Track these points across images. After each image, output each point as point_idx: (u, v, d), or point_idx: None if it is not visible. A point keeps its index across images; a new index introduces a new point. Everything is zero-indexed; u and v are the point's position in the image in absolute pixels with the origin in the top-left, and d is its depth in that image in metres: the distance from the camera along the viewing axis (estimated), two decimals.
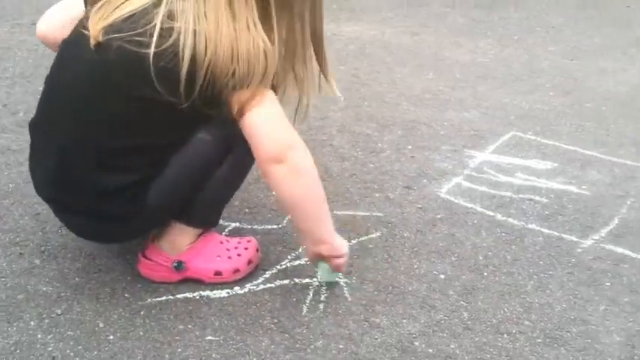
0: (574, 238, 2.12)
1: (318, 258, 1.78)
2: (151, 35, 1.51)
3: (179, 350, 1.61)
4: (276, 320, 1.72)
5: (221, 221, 1.93)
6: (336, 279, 1.85)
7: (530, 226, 2.17)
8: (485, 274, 1.94)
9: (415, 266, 1.96)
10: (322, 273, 1.82)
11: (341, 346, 1.66)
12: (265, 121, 1.61)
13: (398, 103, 3.06)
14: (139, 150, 1.63)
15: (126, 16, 1.55)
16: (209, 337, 1.66)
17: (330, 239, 1.75)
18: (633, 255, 2.05)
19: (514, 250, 2.05)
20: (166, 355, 1.60)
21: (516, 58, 3.79)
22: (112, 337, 1.64)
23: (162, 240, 1.82)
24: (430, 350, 1.66)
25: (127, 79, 1.55)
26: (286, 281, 1.86)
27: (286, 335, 1.68)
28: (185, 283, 1.82)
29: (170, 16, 1.52)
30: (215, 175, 1.74)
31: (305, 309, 1.77)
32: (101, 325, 1.68)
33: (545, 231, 2.15)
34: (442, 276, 1.93)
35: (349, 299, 1.81)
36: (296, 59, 1.67)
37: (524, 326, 1.75)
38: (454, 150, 2.65)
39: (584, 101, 3.20)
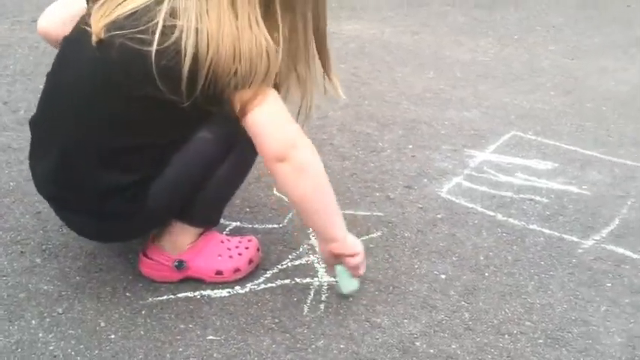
0: (575, 239, 2.12)
1: (333, 259, 1.76)
2: (153, 33, 1.50)
3: (180, 350, 1.61)
4: (277, 320, 1.72)
5: (222, 220, 1.93)
6: (355, 288, 1.81)
7: (530, 226, 2.17)
8: (486, 274, 1.94)
9: (416, 266, 1.96)
10: (342, 281, 1.79)
11: (342, 346, 1.66)
12: (268, 119, 1.60)
13: (398, 102, 3.06)
14: (141, 149, 1.63)
15: (128, 13, 1.55)
16: (210, 337, 1.66)
17: (341, 237, 1.73)
18: (634, 255, 2.05)
19: (515, 250, 2.05)
20: (167, 355, 1.60)
21: (517, 57, 3.80)
22: (113, 336, 1.64)
23: (163, 239, 1.82)
24: (431, 350, 1.66)
25: (129, 78, 1.55)
26: (287, 281, 1.86)
27: (287, 335, 1.68)
28: (186, 282, 1.82)
29: (172, 13, 1.51)
30: (216, 174, 1.74)
31: (306, 309, 1.77)
32: (102, 324, 1.68)
33: (546, 231, 2.15)
34: (443, 276, 1.93)
35: (350, 299, 1.81)
36: (298, 59, 1.67)
37: (526, 327, 1.75)
38: (454, 149, 2.65)
39: (584, 101, 3.20)
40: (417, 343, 1.68)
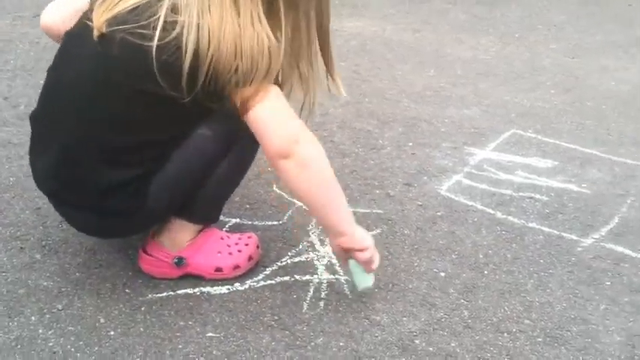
0: (574, 237, 2.12)
1: (343, 254, 1.76)
2: (154, 28, 1.50)
3: (180, 346, 1.62)
4: (276, 317, 1.73)
5: (221, 217, 1.94)
6: (370, 284, 1.79)
7: (530, 224, 2.17)
8: (486, 272, 1.94)
9: (415, 264, 1.96)
10: (356, 277, 1.77)
11: (341, 344, 1.66)
12: (270, 116, 1.60)
13: (399, 100, 3.06)
14: (141, 145, 1.63)
15: (130, 8, 1.55)
16: (210, 334, 1.66)
17: (349, 230, 1.72)
18: (633, 254, 2.05)
19: (514, 248, 2.05)
20: (167, 352, 1.60)
21: (518, 55, 3.80)
22: (112, 332, 1.65)
23: (162, 236, 1.82)
24: (430, 348, 1.66)
25: (129, 73, 1.55)
26: (287, 278, 1.86)
27: (287, 332, 1.68)
28: (186, 279, 1.82)
29: (174, 9, 1.51)
30: (216, 172, 1.74)
31: (305, 306, 1.77)
32: (102, 320, 1.68)
33: (546, 229, 2.15)
34: (442, 274, 1.93)
35: (349, 296, 1.81)
36: (301, 57, 1.67)
37: (525, 325, 1.75)
38: (454, 147, 2.65)
39: (585, 99, 3.20)
40: (417, 341, 1.68)
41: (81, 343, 1.61)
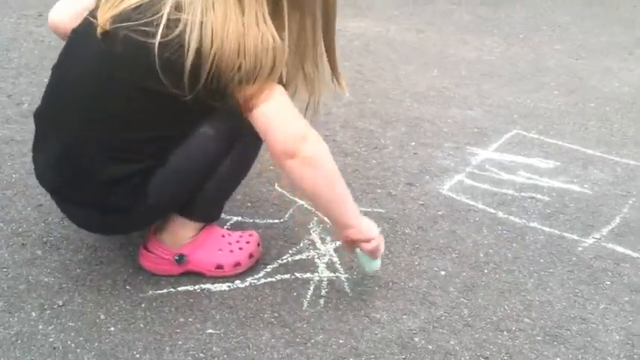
0: (575, 237, 2.12)
1: (351, 244, 1.78)
2: (157, 25, 1.50)
3: (180, 343, 1.62)
4: (276, 314, 1.73)
5: (223, 215, 1.94)
6: (377, 268, 1.82)
7: (531, 224, 2.17)
8: (486, 271, 1.94)
9: (416, 262, 1.96)
10: (363, 260, 1.80)
11: (341, 341, 1.66)
12: (275, 115, 1.60)
13: (402, 100, 3.06)
14: (143, 142, 1.63)
15: (135, 5, 1.55)
16: (210, 330, 1.66)
17: (356, 223, 1.74)
18: (634, 254, 2.05)
19: (515, 247, 2.05)
20: (167, 348, 1.60)
21: (522, 56, 3.80)
22: (112, 328, 1.65)
23: (163, 233, 1.82)
24: (430, 346, 1.66)
25: (132, 70, 1.56)
26: (287, 275, 1.87)
27: (287, 329, 1.68)
28: (186, 276, 1.83)
29: (178, 7, 1.51)
30: (218, 170, 1.74)
31: (306, 303, 1.77)
32: (102, 316, 1.68)
33: (547, 229, 2.15)
34: (443, 272, 1.93)
35: (350, 294, 1.82)
36: (306, 58, 1.67)
37: (524, 324, 1.75)
38: (457, 147, 2.65)
39: (588, 101, 3.20)
40: (416, 339, 1.68)
41: (81, 338, 1.61)
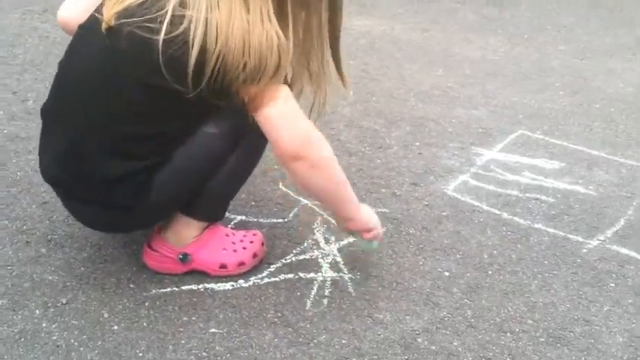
0: (579, 239, 2.12)
1: (350, 232, 1.87)
2: (162, 22, 1.50)
3: (183, 342, 1.62)
4: (279, 314, 1.73)
5: (227, 214, 1.94)
6: (375, 247, 1.90)
7: (536, 225, 2.17)
8: (490, 272, 1.94)
9: (420, 263, 1.96)
10: (361, 243, 1.89)
11: (344, 341, 1.66)
12: (280, 116, 1.60)
13: (406, 99, 3.06)
14: (147, 138, 1.63)
15: (140, 1, 1.55)
16: (213, 330, 1.66)
17: (356, 216, 1.80)
18: (638, 257, 2.05)
19: (519, 249, 2.05)
20: (170, 347, 1.60)
21: (527, 56, 3.79)
22: (116, 327, 1.65)
23: (168, 232, 1.82)
24: (433, 347, 1.66)
25: (136, 66, 1.55)
26: (291, 275, 1.87)
27: (290, 329, 1.68)
28: (190, 275, 1.83)
29: (183, 3, 1.51)
30: (222, 169, 1.74)
31: (309, 303, 1.77)
32: (106, 315, 1.68)
33: (551, 231, 2.15)
34: (447, 273, 1.93)
35: (353, 294, 1.82)
36: (312, 57, 1.67)
37: (528, 325, 1.75)
38: (461, 147, 2.65)
39: (592, 101, 3.19)
40: (419, 340, 1.68)
41: (84, 337, 1.61)
